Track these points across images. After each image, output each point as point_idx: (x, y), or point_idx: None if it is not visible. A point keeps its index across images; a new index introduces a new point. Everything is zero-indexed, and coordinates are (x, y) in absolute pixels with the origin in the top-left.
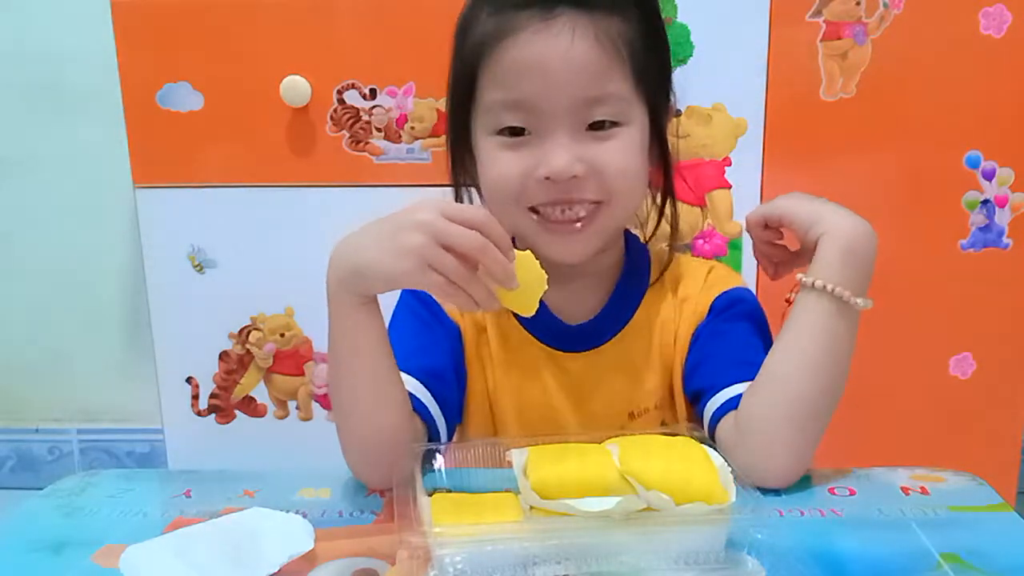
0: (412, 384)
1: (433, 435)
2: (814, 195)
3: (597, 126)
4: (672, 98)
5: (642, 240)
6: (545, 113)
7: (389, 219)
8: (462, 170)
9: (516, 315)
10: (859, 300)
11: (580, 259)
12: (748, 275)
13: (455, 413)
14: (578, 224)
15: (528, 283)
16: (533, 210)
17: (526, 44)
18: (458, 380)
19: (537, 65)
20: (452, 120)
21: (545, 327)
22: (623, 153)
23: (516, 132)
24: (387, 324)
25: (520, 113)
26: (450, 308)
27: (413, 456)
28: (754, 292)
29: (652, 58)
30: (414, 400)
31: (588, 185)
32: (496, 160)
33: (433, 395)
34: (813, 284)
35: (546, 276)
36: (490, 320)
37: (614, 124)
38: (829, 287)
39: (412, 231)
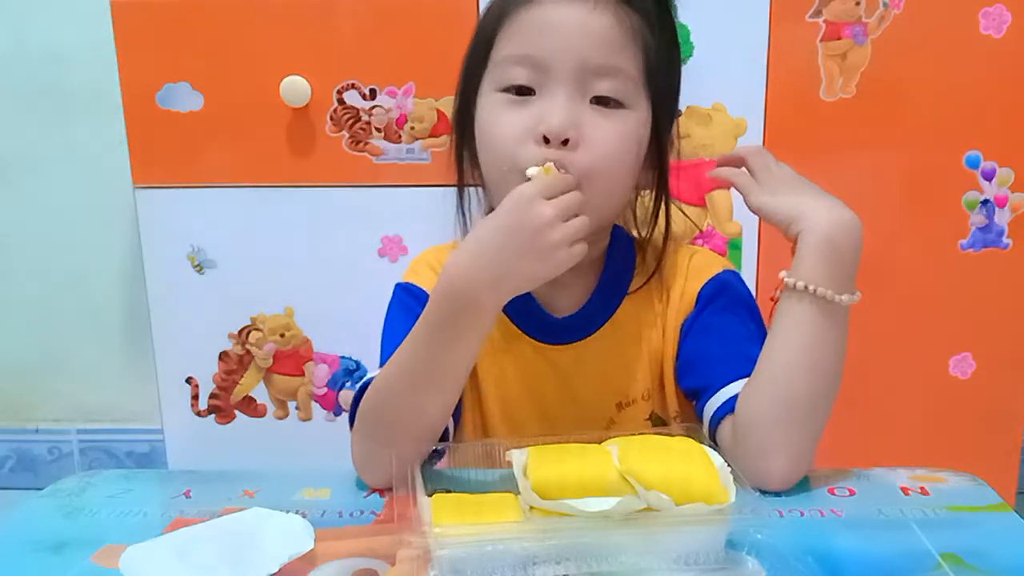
0: None
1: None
2: (781, 162)
3: (602, 101)
4: (677, 115)
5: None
6: (552, 71)
7: (506, 231)
8: (467, 169)
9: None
10: (843, 297)
11: None
12: (748, 275)
13: (456, 410)
14: None
15: None
16: None
17: (546, 6)
18: None
19: (553, 25)
20: (461, 101)
21: (532, 320)
22: (618, 136)
23: (522, 92)
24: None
25: (528, 69)
26: None
27: None
28: (745, 281)
29: (663, 64)
30: None
31: (576, 157)
32: (497, 117)
33: None
34: (795, 285)
35: None
36: None
37: (619, 105)
38: (811, 287)
39: (550, 230)
